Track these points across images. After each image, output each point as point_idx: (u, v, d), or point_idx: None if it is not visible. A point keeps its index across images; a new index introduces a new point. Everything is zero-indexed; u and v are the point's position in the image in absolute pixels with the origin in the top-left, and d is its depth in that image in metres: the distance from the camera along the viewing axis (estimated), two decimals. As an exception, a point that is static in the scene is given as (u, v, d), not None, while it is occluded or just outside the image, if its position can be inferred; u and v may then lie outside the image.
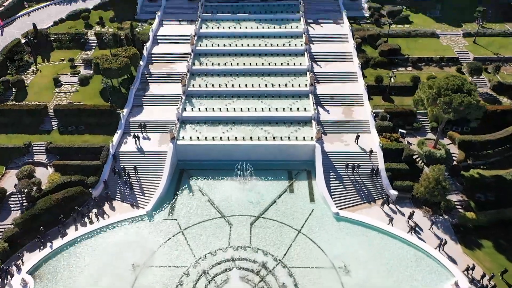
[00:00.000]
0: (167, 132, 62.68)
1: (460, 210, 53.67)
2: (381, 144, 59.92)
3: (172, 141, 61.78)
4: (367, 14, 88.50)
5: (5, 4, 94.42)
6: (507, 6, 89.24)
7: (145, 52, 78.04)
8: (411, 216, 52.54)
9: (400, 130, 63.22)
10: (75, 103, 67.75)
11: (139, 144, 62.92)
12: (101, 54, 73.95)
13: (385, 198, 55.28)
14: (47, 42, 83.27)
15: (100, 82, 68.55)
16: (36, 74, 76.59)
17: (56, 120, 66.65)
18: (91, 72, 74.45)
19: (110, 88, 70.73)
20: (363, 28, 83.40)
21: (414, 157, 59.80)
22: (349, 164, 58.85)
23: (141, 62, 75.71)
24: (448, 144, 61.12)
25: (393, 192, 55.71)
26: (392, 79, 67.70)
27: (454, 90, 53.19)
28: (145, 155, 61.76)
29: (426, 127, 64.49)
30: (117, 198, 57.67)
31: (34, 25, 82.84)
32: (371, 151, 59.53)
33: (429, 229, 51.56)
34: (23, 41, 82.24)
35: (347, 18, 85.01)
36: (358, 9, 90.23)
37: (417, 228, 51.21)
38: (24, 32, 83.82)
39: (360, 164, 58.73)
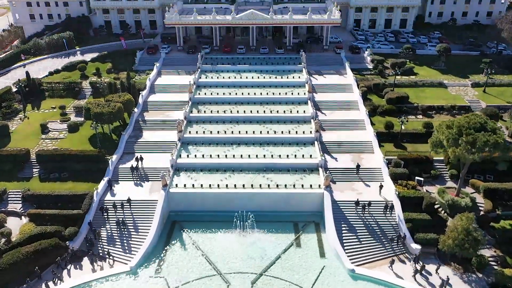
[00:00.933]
0: (159, 180, 56.42)
1: (496, 267, 46.05)
2: (397, 192, 53.55)
3: (164, 189, 55.25)
4: (370, 66, 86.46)
5: (1, 56, 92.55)
6: (508, 59, 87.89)
7: (140, 100, 74.14)
8: (438, 271, 45.06)
9: (417, 177, 57.21)
10: (60, 149, 62.10)
11: (137, 170, 59.23)
12: (94, 101, 69.82)
13: (408, 255, 47.85)
14: (39, 91, 79.74)
15: (90, 126, 63.53)
16: (23, 121, 71.89)
17: (38, 166, 60.59)
18: (82, 119, 69.91)
19: (100, 134, 65.65)
20: (368, 78, 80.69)
21: (436, 206, 53.15)
22: (360, 202, 53.04)
23: (135, 109, 71.45)
24: (471, 193, 54.73)
25: (416, 246, 48.31)
26: (403, 126, 63.01)
27: (477, 129, 48.09)
28: (133, 204, 54.87)
29: (444, 174, 58.55)
30: (98, 251, 49.91)
31: (27, 73, 79.88)
32: (387, 206, 53.07)
33: (463, 289, 43.67)
34: (14, 89, 78.76)
35: (350, 70, 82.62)
36: (361, 61, 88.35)
37: (448, 288, 43.38)
38: (16, 81, 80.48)
39: (371, 202, 53.06)
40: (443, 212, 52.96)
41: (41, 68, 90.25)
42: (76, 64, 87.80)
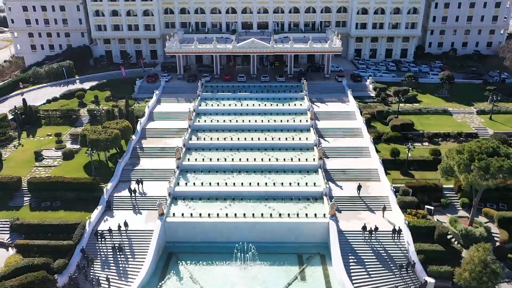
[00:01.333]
0: (155, 209, 53.56)
1: (517, 303, 42.59)
2: (407, 222, 50.60)
3: (161, 218, 52.30)
4: (372, 94, 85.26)
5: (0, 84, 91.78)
6: (511, 88, 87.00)
7: (138, 127, 72.28)
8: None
9: (426, 206, 54.37)
10: (53, 176, 59.49)
11: (136, 193, 57.59)
12: (91, 128, 67.85)
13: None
14: (36, 118, 77.99)
15: (85, 153, 61.26)
16: (17, 149, 69.70)
17: (29, 195, 57.80)
18: (78, 146, 67.78)
19: (96, 161, 63.34)
20: (371, 106, 79.21)
21: (448, 237, 50.07)
22: (366, 227, 50.39)
23: (133, 136, 69.43)
24: (485, 223, 51.72)
25: (430, 280, 44.92)
26: (409, 153, 60.76)
27: (489, 154, 45.81)
28: (128, 234, 51.78)
29: (455, 203, 55.76)
30: (91, 280, 46.50)
31: (24, 101, 78.58)
32: (395, 230, 50.14)
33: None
34: (10, 116, 77.08)
35: (353, 97, 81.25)
36: (363, 89, 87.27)
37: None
38: (12, 108, 78.88)
39: (377, 227, 50.35)
40: (456, 242, 49.82)
41: (39, 96, 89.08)
42: (75, 92, 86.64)
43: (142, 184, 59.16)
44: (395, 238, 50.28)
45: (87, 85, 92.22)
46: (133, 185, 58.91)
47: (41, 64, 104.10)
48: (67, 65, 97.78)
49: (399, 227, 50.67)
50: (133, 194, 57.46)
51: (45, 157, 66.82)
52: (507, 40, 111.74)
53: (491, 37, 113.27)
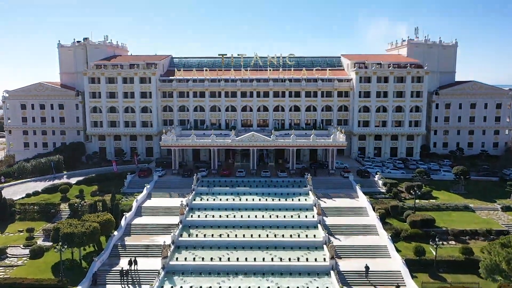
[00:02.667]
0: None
1: None
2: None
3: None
4: (383, 189, 78.20)
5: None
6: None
7: (123, 222, 63.47)
8: None
9: (469, 318, 43.60)
10: (11, 278, 49.13)
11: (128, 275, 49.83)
12: (67, 221, 59.14)
13: None
14: (10, 213, 69.45)
15: (54, 250, 51.75)
16: (-20, 246, 60.03)
17: (-22, 301, 47.05)
18: (50, 243, 58.40)
19: (68, 260, 53.59)
20: (383, 201, 71.56)
21: None
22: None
23: (115, 232, 60.37)
24: None
25: None
26: (435, 253, 51.54)
27: (544, 247, 37.27)
28: None
29: (504, 313, 44.87)
30: None
31: (-1, 193, 70.97)
32: None
33: None
34: (-20, 211, 68.68)
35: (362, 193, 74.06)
36: (372, 185, 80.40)
37: None
38: (-16, 202, 70.88)
39: None
40: None
41: (19, 190, 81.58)
42: (58, 186, 79.41)
43: (136, 264, 52.25)
44: None
45: (74, 180, 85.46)
46: (125, 266, 50.86)
47: (30, 160, 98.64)
48: (56, 160, 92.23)
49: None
50: (124, 278, 48.95)
51: (9, 255, 56.96)
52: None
53: (496, 137, 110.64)
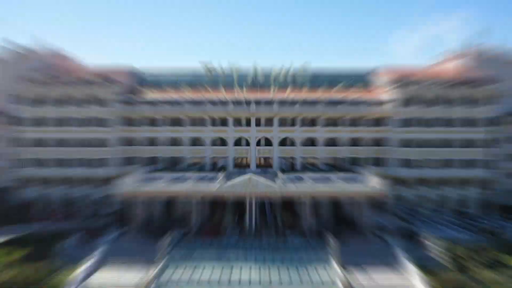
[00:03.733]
0: None
1: None
2: None
3: None
4: (437, 258, 71.77)
5: None
6: None
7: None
8: None
9: None
10: None
11: None
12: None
13: None
14: None
15: None
16: None
17: None
18: None
19: None
20: (441, 275, 65.03)
21: None
22: None
23: (40, 325, 53.20)
24: None
25: None
26: None
27: None
28: None
29: None
30: None
31: None
32: None
33: None
34: None
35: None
36: (422, 252, 74.19)
37: None
38: None
39: None
40: None
41: None
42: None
43: None
44: None
45: (-9, 243, 78.98)
46: None
47: None
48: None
49: None
50: None
51: None
52: None
53: None
